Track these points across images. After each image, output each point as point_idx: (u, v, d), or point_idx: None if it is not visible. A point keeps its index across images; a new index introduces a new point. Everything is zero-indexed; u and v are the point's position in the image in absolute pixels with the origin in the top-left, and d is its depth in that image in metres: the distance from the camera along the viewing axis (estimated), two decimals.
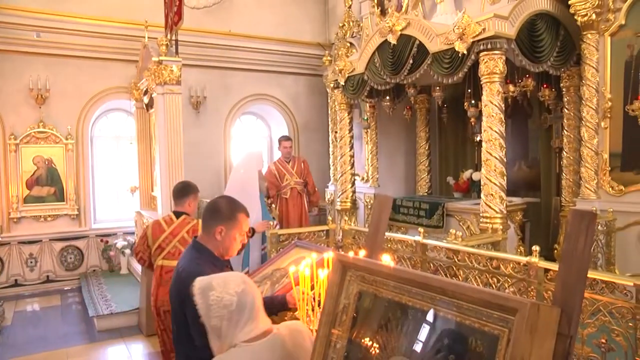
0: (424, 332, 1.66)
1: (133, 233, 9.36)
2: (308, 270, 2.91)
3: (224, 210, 2.86)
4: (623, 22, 5.78)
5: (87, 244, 9.30)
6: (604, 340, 3.26)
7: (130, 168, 9.66)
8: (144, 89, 8.23)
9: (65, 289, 8.94)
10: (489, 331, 1.42)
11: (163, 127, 7.10)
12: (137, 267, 8.11)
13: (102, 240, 9.39)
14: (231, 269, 2.95)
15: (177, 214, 4.77)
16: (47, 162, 8.94)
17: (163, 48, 7.05)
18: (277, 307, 3.23)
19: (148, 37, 7.99)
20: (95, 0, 9.07)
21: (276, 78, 10.89)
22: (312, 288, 2.91)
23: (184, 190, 4.83)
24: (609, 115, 5.93)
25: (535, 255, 3.73)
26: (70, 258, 9.17)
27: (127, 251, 9.05)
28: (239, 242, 2.90)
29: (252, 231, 5.36)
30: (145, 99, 8.31)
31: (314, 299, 2.89)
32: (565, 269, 1.39)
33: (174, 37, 7.21)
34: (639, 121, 5.52)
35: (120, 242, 9.18)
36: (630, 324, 3.14)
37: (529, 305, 1.28)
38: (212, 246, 2.85)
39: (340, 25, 9.82)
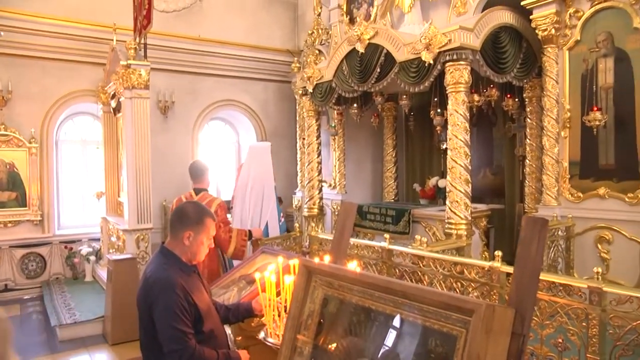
0: (388, 334, 1.71)
1: (98, 239, 9.22)
2: (274, 276, 2.95)
3: (191, 215, 2.88)
4: (578, 38, 6.05)
5: (50, 251, 9.07)
6: (560, 340, 3.43)
7: (97, 173, 9.53)
8: (112, 93, 8.15)
9: (25, 297, 8.64)
10: (448, 332, 1.49)
11: (130, 132, 7.05)
12: (103, 274, 7.97)
13: (66, 247, 9.16)
14: (198, 275, 2.96)
15: (197, 191, 5.35)
16: (8, 167, 8.73)
17: (132, 52, 7.01)
18: (243, 314, 3.26)
19: (116, 40, 7.91)
20: (62, 1, 8.91)
21: (245, 84, 10.90)
22: (278, 294, 2.94)
23: (202, 168, 5.45)
24: (568, 125, 6.15)
25: (498, 260, 3.84)
26: (32, 265, 8.93)
27: (92, 258, 8.88)
28: (207, 246, 2.92)
29: (250, 234, 5.50)
30: (113, 103, 8.24)
31: (280, 304, 2.92)
32: (519, 272, 1.46)
33: (142, 41, 7.18)
34: (594, 131, 5.77)
35: (85, 249, 8.98)
36: (584, 324, 3.33)
37: (484, 306, 1.35)
38: (179, 251, 2.86)
39: (310, 32, 9.90)
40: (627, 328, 3.13)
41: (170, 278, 2.72)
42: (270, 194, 6.26)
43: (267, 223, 6.14)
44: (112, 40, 7.97)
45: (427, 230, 6.98)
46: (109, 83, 8.20)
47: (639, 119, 5.59)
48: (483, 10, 6.51)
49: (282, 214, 6.49)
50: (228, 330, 3.38)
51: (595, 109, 5.69)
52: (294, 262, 2.99)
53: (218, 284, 4.19)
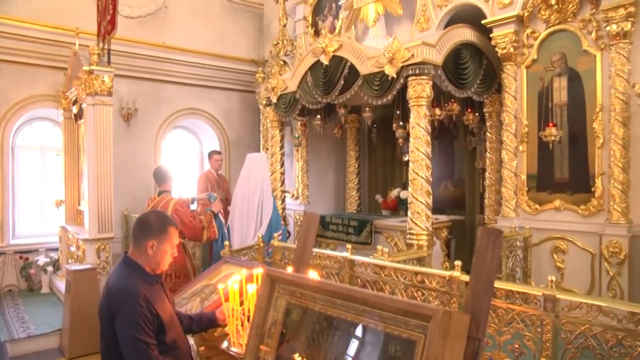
0: (349, 341, 1.77)
1: (57, 249, 8.93)
2: (237, 286, 2.97)
3: (154, 225, 2.87)
4: (535, 57, 6.34)
5: (4, 261, 8.68)
6: (517, 345, 3.59)
7: (56, 180, 9.32)
8: (73, 99, 8.01)
9: None
10: (407, 337, 1.56)
11: (92, 139, 6.94)
12: (61, 286, 7.75)
13: (21, 257, 8.76)
14: (161, 285, 2.96)
15: (160, 193, 5.86)
16: None
17: (95, 57, 6.90)
18: (207, 324, 3.25)
19: (79, 45, 7.79)
20: (23, 2, 8.66)
21: (209, 93, 10.88)
22: (242, 304, 2.96)
23: (163, 172, 5.97)
24: (526, 140, 6.38)
25: (458, 270, 3.94)
26: None
27: (50, 269, 8.52)
28: (170, 255, 2.92)
29: (213, 213, 6.08)
30: (74, 109, 8.10)
31: (243, 314, 2.94)
32: (475, 280, 1.54)
33: (106, 46, 7.09)
34: (550, 146, 6.03)
35: (42, 259, 8.58)
36: (539, 330, 3.49)
37: (441, 312, 1.42)
38: (142, 261, 2.85)
39: (275, 43, 9.96)
40: (577, 332, 3.31)
41: (133, 288, 2.70)
42: (268, 198, 6.38)
43: (268, 225, 6.27)
44: (75, 44, 7.85)
45: (388, 240, 7.07)
46: (70, 88, 8.05)
47: (590, 136, 5.89)
48: (446, 27, 6.71)
49: (281, 220, 6.78)
50: (191, 340, 3.37)
51: (551, 124, 5.95)
52: (258, 271, 3.02)
53: (181, 293, 4.18)
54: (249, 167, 6.61)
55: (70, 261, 7.91)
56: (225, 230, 6.28)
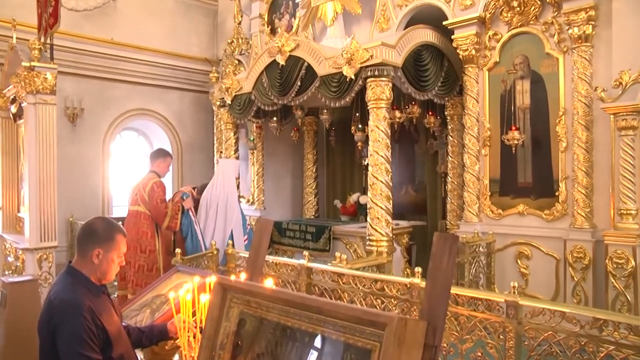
0: (304, 351, 1.78)
1: None
2: (189, 296, 2.94)
3: (100, 232, 2.82)
4: (497, 60, 6.47)
5: None
6: (480, 354, 3.65)
7: None
8: (11, 97, 7.77)
9: None
10: (362, 346, 1.58)
11: (34, 141, 6.75)
12: None
13: None
14: (108, 296, 2.91)
15: (148, 172, 6.44)
16: None
17: (36, 52, 6.70)
18: (157, 337, 3.21)
19: (16, 38, 7.55)
20: None
21: (160, 93, 10.75)
22: (194, 314, 2.94)
23: (155, 154, 6.66)
24: (488, 144, 6.51)
25: (418, 276, 4.00)
26: None
27: None
28: (117, 264, 2.87)
29: (182, 208, 6.41)
30: (13, 108, 7.85)
31: (195, 326, 2.92)
32: (430, 286, 1.58)
33: (48, 41, 6.90)
34: (513, 150, 6.14)
35: None
36: (501, 337, 3.56)
37: (396, 319, 1.45)
38: (87, 271, 2.78)
39: (229, 41, 9.92)
40: (540, 339, 3.39)
41: (77, 299, 2.64)
42: (233, 205, 6.62)
43: (232, 231, 6.47)
44: (12, 37, 7.61)
45: (348, 247, 7.12)
46: (7, 86, 7.80)
47: (553, 140, 6.03)
48: (406, 27, 6.80)
49: (247, 224, 6.99)
50: (140, 354, 3.33)
51: (514, 128, 6.07)
52: (210, 280, 3.00)
53: (129, 305, 4.11)
54: (218, 174, 6.96)
55: (7, 272, 7.68)
56: (196, 228, 6.45)
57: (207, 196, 6.70)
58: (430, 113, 7.57)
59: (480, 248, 6.19)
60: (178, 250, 5.49)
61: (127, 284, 6.32)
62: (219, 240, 6.21)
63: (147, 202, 6.21)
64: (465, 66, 6.60)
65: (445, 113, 7.32)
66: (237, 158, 8.57)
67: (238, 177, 7.57)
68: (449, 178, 7.28)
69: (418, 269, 4.03)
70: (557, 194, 6.00)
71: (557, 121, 5.96)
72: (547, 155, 6.09)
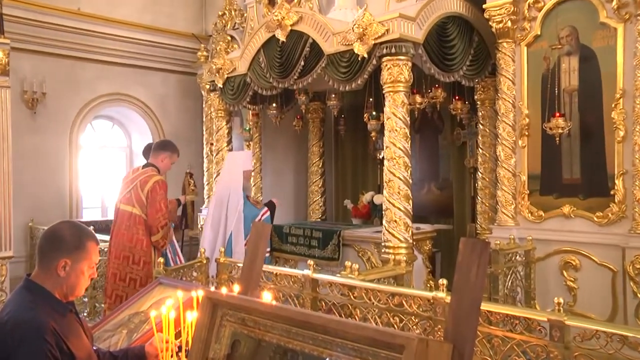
0: None
1: None
2: (173, 313, 2.94)
3: (68, 239, 2.77)
4: (539, 33, 6.34)
5: None
6: None
7: None
8: None
9: None
10: None
11: None
12: None
13: None
14: (76, 315, 2.88)
15: (146, 165, 6.12)
16: None
17: None
18: None
19: None
20: None
21: (140, 75, 10.76)
22: (178, 335, 2.94)
23: (163, 144, 6.38)
24: (526, 133, 6.42)
25: (443, 290, 3.97)
26: None
27: None
28: (88, 277, 2.84)
29: (179, 202, 6.64)
30: None
31: (180, 348, 2.92)
32: (456, 302, 1.57)
33: None
34: (557, 140, 5.99)
35: None
36: None
37: (416, 341, 1.44)
38: (51, 285, 2.72)
39: (220, 14, 9.91)
40: None
41: (38, 320, 2.58)
42: (234, 204, 6.74)
43: (230, 234, 6.61)
44: None
45: (360, 255, 7.11)
46: None
47: (607, 127, 5.84)
48: None
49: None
50: None
51: (558, 114, 5.91)
52: (198, 294, 3.00)
53: (102, 325, 4.12)
54: (225, 167, 7.15)
55: None
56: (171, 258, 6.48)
57: (214, 197, 6.94)
58: (456, 97, 7.53)
59: (517, 257, 6.11)
60: (160, 260, 5.50)
61: (115, 300, 6.16)
62: (220, 246, 6.28)
63: (145, 204, 5.97)
64: (500, 41, 6.53)
65: (475, 97, 7.28)
66: (231, 151, 8.56)
67: (251, 171, 7.64)
68: (480, 174, 7.24)
69: (443, 281, 4.01)
70: (612, 192, 5.84)
71: (613, 105, 5.80)
72: (599, 146, 5.95)
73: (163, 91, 11.09)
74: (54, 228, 2.84)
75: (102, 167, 10.94)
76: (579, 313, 5.73)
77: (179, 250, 6.63)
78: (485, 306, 3.74)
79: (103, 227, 9.49)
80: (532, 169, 6.44)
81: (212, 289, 2.63)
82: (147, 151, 6.71)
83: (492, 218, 6.97)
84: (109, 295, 6.03)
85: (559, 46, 6.18)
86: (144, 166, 6.16)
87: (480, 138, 7.26)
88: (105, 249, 6.29)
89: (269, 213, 7.11)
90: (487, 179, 7.14)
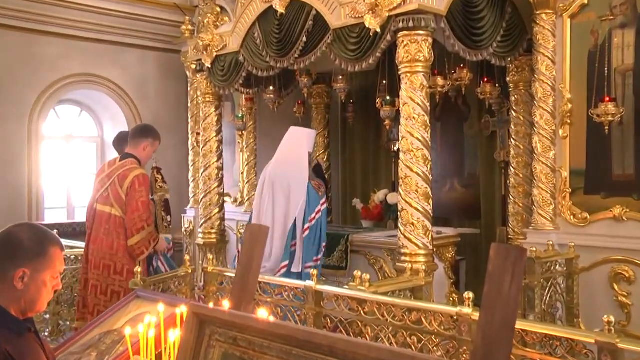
0: None
1: None
2: (153, 332, 2.95)
3: (26, 244, 2.73)
4: (585, 1, 6.24)
5: None
6: None
7: None
8: None
9: None
10: None
11: None
12: None
13: None
14: (36, 334, 2.86)
15: (125, 157, 6.18)
16: None
17: None
18: None
19: None
20: None
21: (113, 52, 10.75)
22: (160, 358, 2.95)
23: (143, 130, 6.50)
24: (568, 121, 6.37)
25: (469, 305, 3.97)
26: None
27: None
28: (51, 289, 2.81)
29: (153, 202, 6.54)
30: None
31: None
32: (486, 319, 1.57)
33: None
34: (606, 130, 5.90)
35: None
36: None
37: None
38: (6, 300, 2.68)
39: None
40: None
41: None
42: (298, 189, 6.76)
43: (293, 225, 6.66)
44: None
45: (371, 263, 7.13)
46: None
47: None
48: None
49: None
50: None
51: (608, 99, 5.82)
52: (182, 309, 3.00)
53: (68, 345, 4.12)
54: (286, 145, 7.17)
55: None
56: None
57: (265, 185, 6.93)
58: (485, 79, 7.53)
59: (558, 266, 6.08)
60: (137, 269, 5.50)
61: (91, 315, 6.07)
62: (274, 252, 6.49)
63: (124, 203, 5.98)
64: (537, 12, 6.49)
65: (507, 79, 7.26)
66: (221, 142, 8.53)
67: (311, 157, 7.51)
68: (512, 169, 7.22)
69: (469, 295, 4.00)
70: None
71: None
72: None
73: (140, 72, 11.09)
74: (9, 232, 2.79)
75: (68, 160, 10.93)
76: (634, 334, 5.67)
77: (172, 264, 6.61)
78: (519, 324, 3.73)
79: (69, 230, 9.54)
80: (575, 163, 6.38)
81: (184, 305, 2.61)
82: (119, 142, 6.78)
83: (526, 221, 6.93)
84: (90, 311, 5.98)
85: (611, 17, 6.08)
86: (122, 158, 6.18)
87: (512, 127, 7.24)
88: (73, 257, 6.32)
89: (326, 205, 7.13)
90: (521, 175, 7.11)
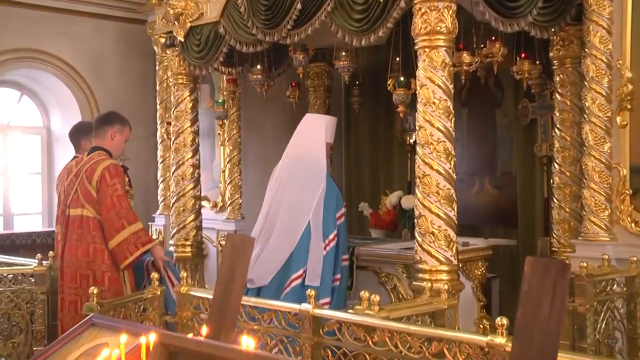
0: None
1: None
2: None
3: None
4: None
5: None
6: None
7: None
8: None
9: None
10: None
11: None
12: None
13: None
14: None
15: (93, 150, 6.35)
16: None
17: None
18: None
19: None
20: None
21: (62, 22, 10.75)
22: None
23: (107, 118, 6.67)
24: (628, 106, 6.33)
25: (502, 333, 3.98)
26: None
27: None
28: None
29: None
30: None
31: None
32: (520, 349, 1.57)
33: None
34: None
35: None
36: None
37: None
38: None
39: None
40: None
41: None
42: (313, 184, 6.73)
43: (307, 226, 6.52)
44: None
45: (382, 282, 7.14)
46: None
47: None
48: None
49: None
50: None
51: None
52: (149, 339, 3.01)
53: None
54: (302, 133, 7.21)
55: None
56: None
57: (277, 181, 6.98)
58: (523, 55, 7.53)
59: (615, 286, 6.04)
60: (93, 290, 5.48)
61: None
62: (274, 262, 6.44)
63: (96, 201, 6.10)
64: None
65: (551, 55, 7.25)
66: (197, 133, 8.52)
67: (331, 149, 7.51)
68: (556, 166, 7.21)
69: (502, 321, 4.01)
70: None
71: None
72: None
73: (97, 47, 11.10)
74: None
75: (4, 157, 10.91)
76: None
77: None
78: (565, 357, 3.74)
79: (7, 244, 9.57)
80: (637, 158, 6.35)
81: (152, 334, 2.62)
82: (77, 134, 6.90)
83: (575, 229, 6.93)
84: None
85: None
86: (90, 152, 6.33)
87: (557, 114, 7.24)
88: (11, 276, 6.36)
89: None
90: (568, 173, 7.11)
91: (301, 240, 6.45)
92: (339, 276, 6.58)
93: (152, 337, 2.82)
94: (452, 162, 5.95)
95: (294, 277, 6.41)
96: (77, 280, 5.98)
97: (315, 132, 6.99)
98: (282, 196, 6.76)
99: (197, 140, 8.59)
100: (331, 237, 6.49)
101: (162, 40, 8.86)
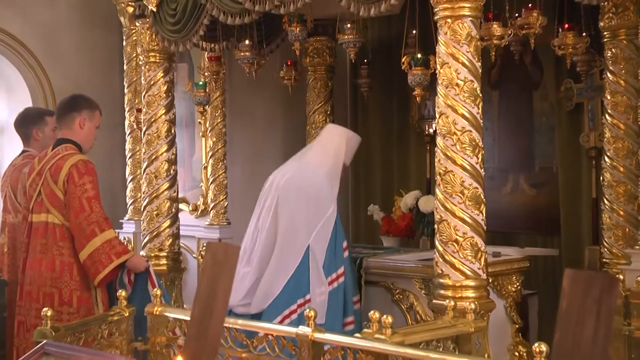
0: None
1: None
2: None
3: None
4: None
5: None
6: None
7: None
8: None
9: None
10: None
11: None
12: None
13: None
14: None
15: (59, 142, 6.39)
16: None
17: None
18: None
19: None
20: None
21: None
22: None
23: (72, 102, 6.63)
24: None
25: None
26: None
27: None
28: None
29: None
30: None
31: None
32: None
33: None
34: None
35: None
36: None
37: None
38: None
39: None
40: None
41: None
42: (322, 204, 7.03)
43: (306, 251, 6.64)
44: None
45: (396, 300, 7.15)
46: None
47: None
48: None
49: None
50: None
51: None
52: None
53: None
54: (322, 142, 7.31)
55: None
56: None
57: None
58: (566, 26, 7.51)
59: None
60: (47, 312, 5.49)
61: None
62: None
63: (63, 204, 6.09)
64: None
65: (600, 25, 7.27)
66: (173, 122, 8.52)
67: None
68: (607, 160, 7.22)
69: (541, 347, 4.03)
70: None
71: None
72: None
73: (50, 18, 11.10)
74: None
75: None
76: None
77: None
78: None
79: None
80: None
81: None
82: (25, 123, 7.05)
83: (630, 237, 6.95)
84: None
85: None
86: (55, 146, 6.35)
87: (608, 97, 7.25)
88: None
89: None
90: (622, 169, 7.11)
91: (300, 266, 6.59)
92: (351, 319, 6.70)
93: None
94: (480, 156, 5.97)
95: (293, 308, 6.52)
96: (39, 301, 5.94)
97: (333, 145, 7.12)
98: (280, 213, 6.91)
99: (173, 131, 8.60)
100: (340, 271, 6.62)
101: (130, 9, 8.90)
